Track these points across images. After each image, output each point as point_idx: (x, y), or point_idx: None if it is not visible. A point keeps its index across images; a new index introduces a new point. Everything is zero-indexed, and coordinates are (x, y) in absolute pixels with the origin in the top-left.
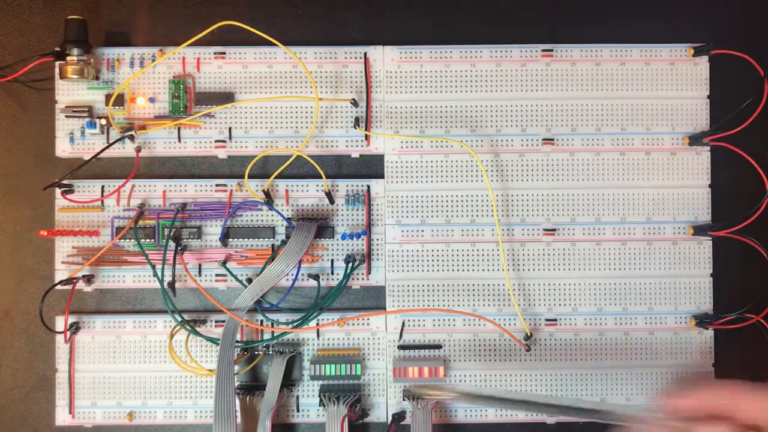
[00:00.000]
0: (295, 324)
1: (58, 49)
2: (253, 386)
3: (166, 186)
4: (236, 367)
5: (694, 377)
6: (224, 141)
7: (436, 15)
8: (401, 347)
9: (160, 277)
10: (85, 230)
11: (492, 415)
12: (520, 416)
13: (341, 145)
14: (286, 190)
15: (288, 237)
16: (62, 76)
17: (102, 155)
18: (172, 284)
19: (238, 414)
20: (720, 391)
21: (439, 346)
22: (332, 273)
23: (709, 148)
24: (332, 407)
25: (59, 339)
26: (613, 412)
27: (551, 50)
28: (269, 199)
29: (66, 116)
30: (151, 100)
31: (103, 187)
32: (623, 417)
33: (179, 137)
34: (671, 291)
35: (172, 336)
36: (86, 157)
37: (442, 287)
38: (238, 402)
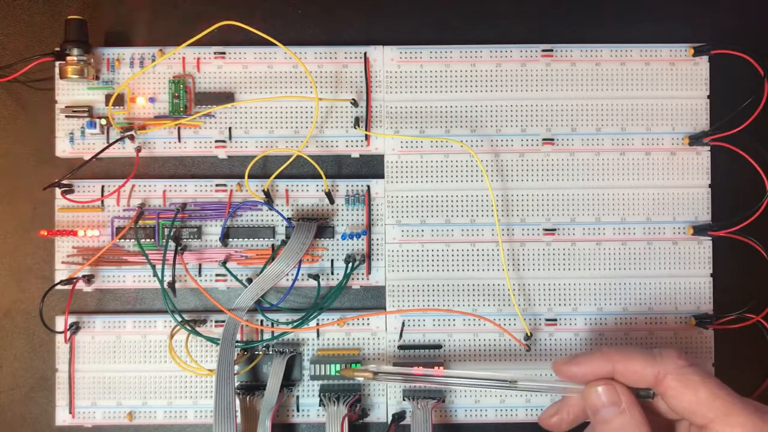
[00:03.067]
0: (295, 324)
1: (58, 49)
2: (253, 386)
3: (166, 186)
4: (236, 367)
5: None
6: (224, 141)
7: (436, 15)
8: (401, 347)
9: (160, 277)
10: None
11: (492, 415)
12: (520, 416)
13: (341, 145)
14: (286, 190)
15: (288, 237)
16: (62, 76)
17: (102, 155)
18: (172, 284)
19: (238, 414)
20: (601, 358)
21: (439, 346)
22: (332, 273)
23: (709, 148)
24: (332, 407)
25: (59, 339)
26: (526, 381)
27: (551, 50)
28: (269, 199)
29: (66, 116)
30: (151, 100)
31: (103, 187)
32: (536, 387)
33: (179, 137)
34: (671, 291)
35: (172, 336)
36: (86, 157)
37: (442, 287)
38: (238, 402)
